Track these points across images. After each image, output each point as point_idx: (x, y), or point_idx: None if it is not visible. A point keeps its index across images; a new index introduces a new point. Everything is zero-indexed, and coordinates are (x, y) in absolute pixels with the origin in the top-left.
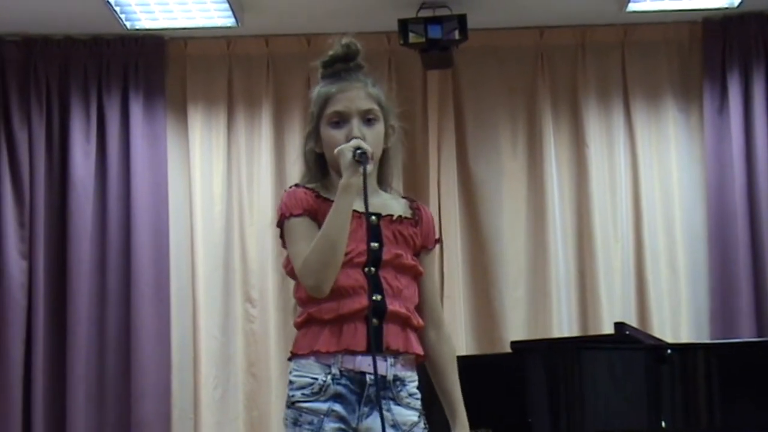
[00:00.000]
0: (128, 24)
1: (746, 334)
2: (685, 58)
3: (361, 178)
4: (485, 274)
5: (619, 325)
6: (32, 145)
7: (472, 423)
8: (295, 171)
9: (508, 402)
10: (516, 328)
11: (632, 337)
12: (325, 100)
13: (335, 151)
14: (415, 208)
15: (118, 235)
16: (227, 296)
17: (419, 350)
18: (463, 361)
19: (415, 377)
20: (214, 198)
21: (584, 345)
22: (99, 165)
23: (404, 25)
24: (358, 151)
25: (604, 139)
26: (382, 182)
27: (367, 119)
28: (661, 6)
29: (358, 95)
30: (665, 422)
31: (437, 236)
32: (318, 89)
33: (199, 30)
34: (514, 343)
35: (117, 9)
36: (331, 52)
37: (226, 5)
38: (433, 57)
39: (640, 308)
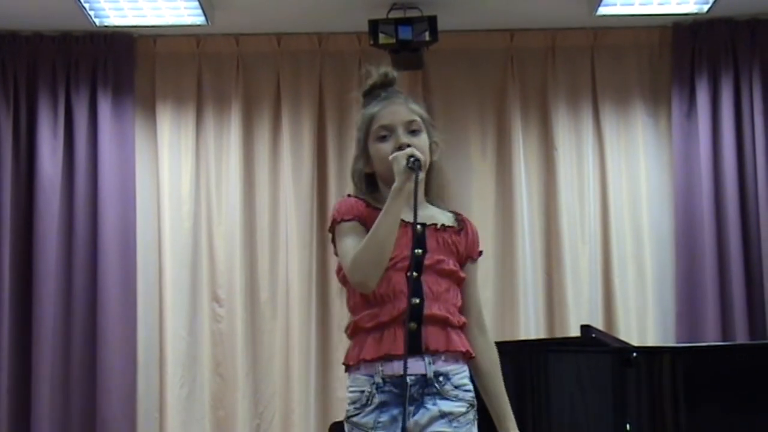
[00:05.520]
0: (97, 21)
1: (712, 338)
2: (655, 63)
3: (412, 184)
4: None
5: (586, 328)
6: None
7: None
8: (263, 170)
9: None
10: None
11: (598, 340)
12: (371, 119)
13: (390, 157)
14: (460, 220)
15: (84, 233)
16: (194, 296)
17: (462, 347)
18: None
19: (462, 370)
20: (182, 197)
21: (551, 347)
22: (66, 162)
23: (375, 25)
24: (412, 159)
25: (573, 142)
26: (429, 195)
27: (412, 130)
28: (631, 11)
29: (400, 109)
30: (630, 425)
31: (480, 249)
32: (362, 112)
33: (169, 28)
34: None
35: (86, 6)
36: (369, 81)
37: (196, 3)
38: (404, 58)
39: (607, 311)
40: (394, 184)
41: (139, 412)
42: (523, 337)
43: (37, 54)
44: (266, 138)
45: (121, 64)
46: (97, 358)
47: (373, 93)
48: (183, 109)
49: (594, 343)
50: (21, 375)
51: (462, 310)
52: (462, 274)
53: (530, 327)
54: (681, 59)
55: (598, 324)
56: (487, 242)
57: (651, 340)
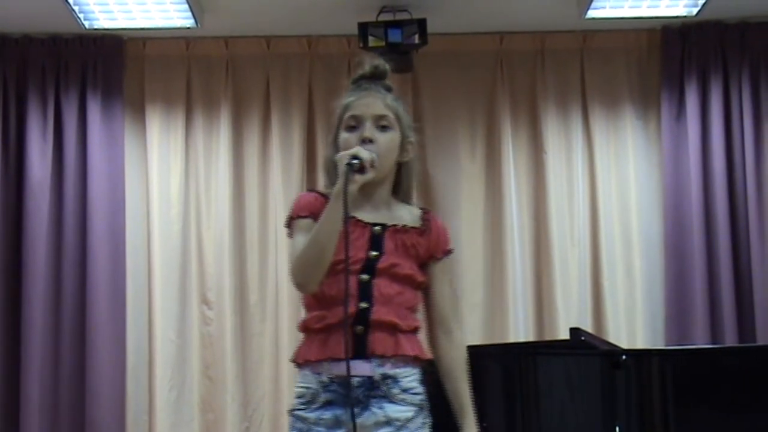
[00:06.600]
0: (87, 23)
1: (701, 341)
2: (644, 66)
3: (354, 185)
4: None
5: (575, 331)
6: None
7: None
8: (253, 173)
9: None
10: (473, 332)
11: (588, 343)
12: (345, 108)
13: (336, 157)
14: (425, 219)
15: (74, 235)
16: (183, 299)
17: (412, 351)
18: None
19: (411, 373)
20: (172, 200)
21: (540, 350)
22: (56, 165)
23: (364, 28)
24: (354, 161)
25: (563, 145)
26: (399, 194)
27: (381, 125)
28: (621, 13)
29: (374, 102)
30: (619, 428)
31: (449, 247)
32: (341, 100)
33: (158, 30)
34: (470, 348)
35: (75, 8)
36: (359, 71)
37: (186, 6)
38: (393, 61)
39: (596, 313)
40: (336, 186)
41: (128, 415)
42: (512, 339)
43: (27, 56)
44: (256, 141)
45: (111, 67)
46: (86, 360)
47: (359, 82)
48: (172, 112)
49: (583, 346)
50: (9, 378)
51: (426, 311)
52: (420, 278)
53: (519, 329)
54: (670, 62)
55: (588, 326)
56: (475, 245)
57: (640, 343)
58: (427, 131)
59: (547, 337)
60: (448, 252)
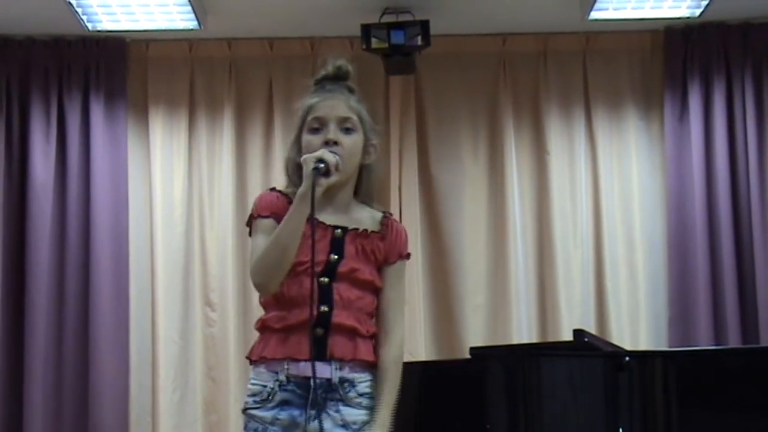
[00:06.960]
0: (90, 25)
1: (704, 342)
2: (647, 67)
3: (319, 189)
4: (445, 279)
5: (578, 332)
6: None
7: (430, 429)
8: (256, 175)
9: (466, 408)
10: (476, 334)
11: (591, 345)
12: (308, 110)
13: (301, 159)
14: (384, 223)
15: (77, 237)
16: (187, 300)
17: (369, 357)
18: (421, 366)
19: (367, 378)
20: (175, 201)
21: (543, 352)
22: (59, 167)
23: (367, 30)
24: (320, 164)
25: (565, 146)
26: (360, 196)
27: (345, 128)
28: (623, 15)
29: (338, 104)
30: (622, 430)
31: (406, 252)
32: (303, 101)
33: (161, 32)
34: (473, 349)
35: (78, 10)
36: (323, 72)
37: (189, 8)
38: (396, 62)
39: (599, 315)
40: (300, 188)
41: (132, 417)
42: (515, 340)
43: (30, 58)
44: (258, 142)
45: (114, 69)
46: (90, 362)
47: (322, 83)
48: (175, 114)
49: (586, 348)
50: (13, 379)
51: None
52: (379, 284)
53: (522, 331)
54: (673, 63)
55: (591, 328)
56: (478, 246)
57: (643, 344)
58: (430, 133)
59: (550, 339)
60: (404, 256)
